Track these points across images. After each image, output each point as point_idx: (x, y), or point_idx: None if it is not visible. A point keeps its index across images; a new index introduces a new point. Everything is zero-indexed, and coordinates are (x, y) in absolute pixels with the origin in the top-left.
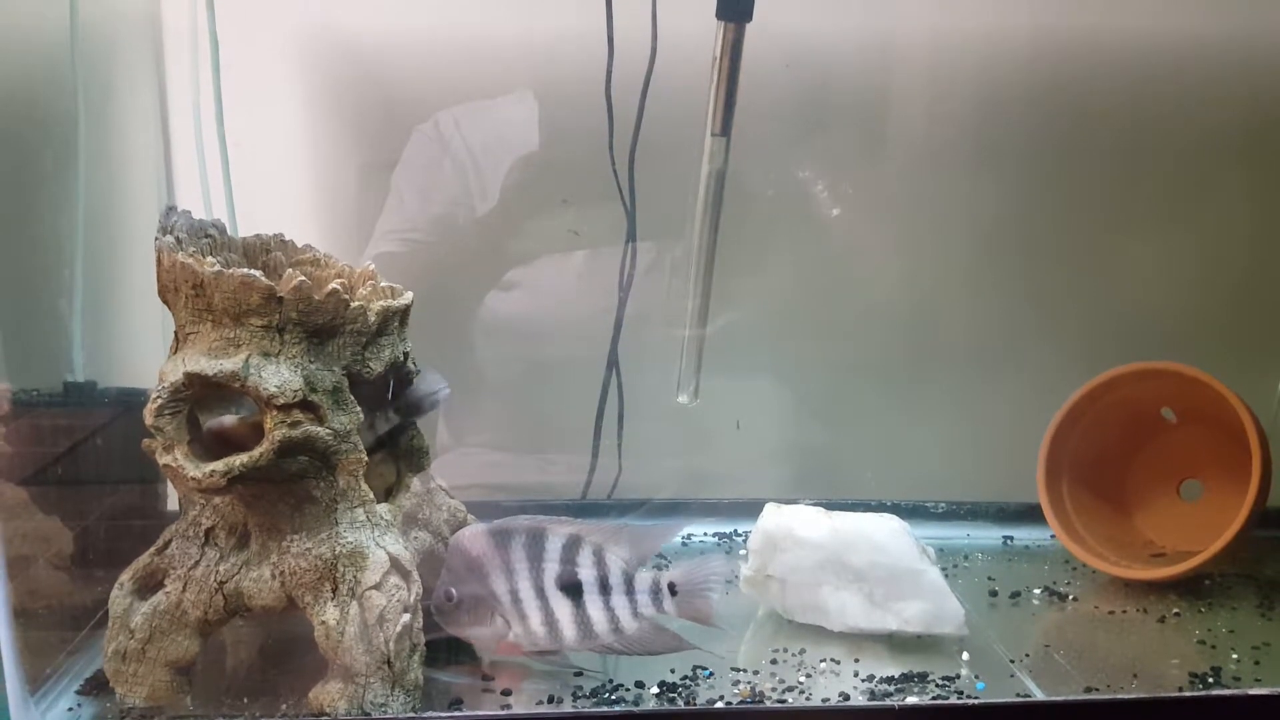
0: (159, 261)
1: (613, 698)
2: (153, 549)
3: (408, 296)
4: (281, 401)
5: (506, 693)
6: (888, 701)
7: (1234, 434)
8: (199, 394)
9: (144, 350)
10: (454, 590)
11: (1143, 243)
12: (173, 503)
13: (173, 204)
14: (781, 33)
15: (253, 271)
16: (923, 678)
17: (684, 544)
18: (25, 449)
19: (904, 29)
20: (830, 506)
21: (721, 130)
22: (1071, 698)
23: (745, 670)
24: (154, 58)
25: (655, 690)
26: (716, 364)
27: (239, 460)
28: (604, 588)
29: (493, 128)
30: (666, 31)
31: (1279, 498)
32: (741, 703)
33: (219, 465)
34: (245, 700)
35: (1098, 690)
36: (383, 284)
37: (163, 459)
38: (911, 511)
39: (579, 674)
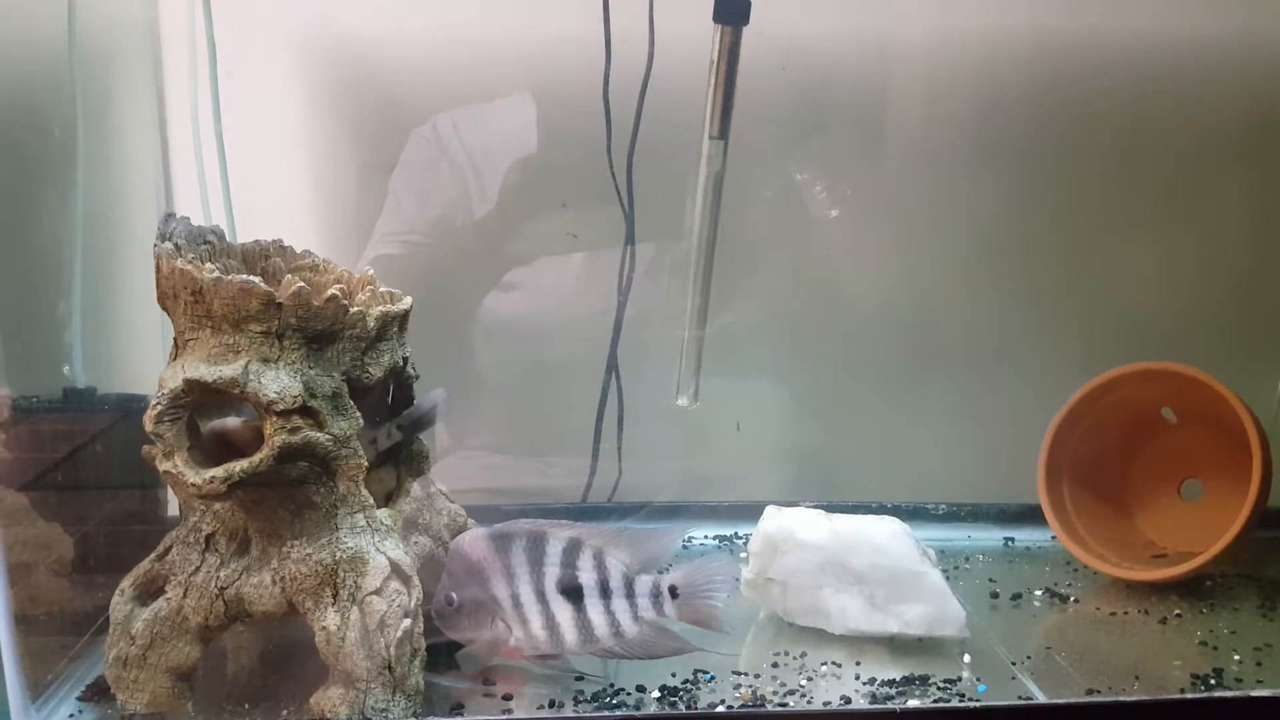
0: (158, 268)
1: (614, 702)
2: (153, 555)
3: (407, 301)
4: (281, 407)
5: (508, 697)
6: (889, 704)
7: (1234, 434)
8: (199, 400)
9: (143, 356)
10: (454, 595)
11: (1143, 243)
12: (173, 508)
13: (171, 210)
14: (778, 35)
15: (252, 278)
16: (924, 680)
17: (684, 546)
18: (25, 455)
19: (902, 30)
20: (831, 508)
21: (719, 133)
22: (1073, 700)
23: (746, 674)
24: (152, 63)
25: (656, 694)
26: (716, 366)
27: (239, 466)
28: (604, 591)
29: (491, 130)
30: (664, 35)
31: None
32: (743, 706)
33: (219, 471)
34: (246, 706)
35: (1099, 692)
36: (382, 289)
37: (163, 465)
38: (912, 513)
39: (580, 678)
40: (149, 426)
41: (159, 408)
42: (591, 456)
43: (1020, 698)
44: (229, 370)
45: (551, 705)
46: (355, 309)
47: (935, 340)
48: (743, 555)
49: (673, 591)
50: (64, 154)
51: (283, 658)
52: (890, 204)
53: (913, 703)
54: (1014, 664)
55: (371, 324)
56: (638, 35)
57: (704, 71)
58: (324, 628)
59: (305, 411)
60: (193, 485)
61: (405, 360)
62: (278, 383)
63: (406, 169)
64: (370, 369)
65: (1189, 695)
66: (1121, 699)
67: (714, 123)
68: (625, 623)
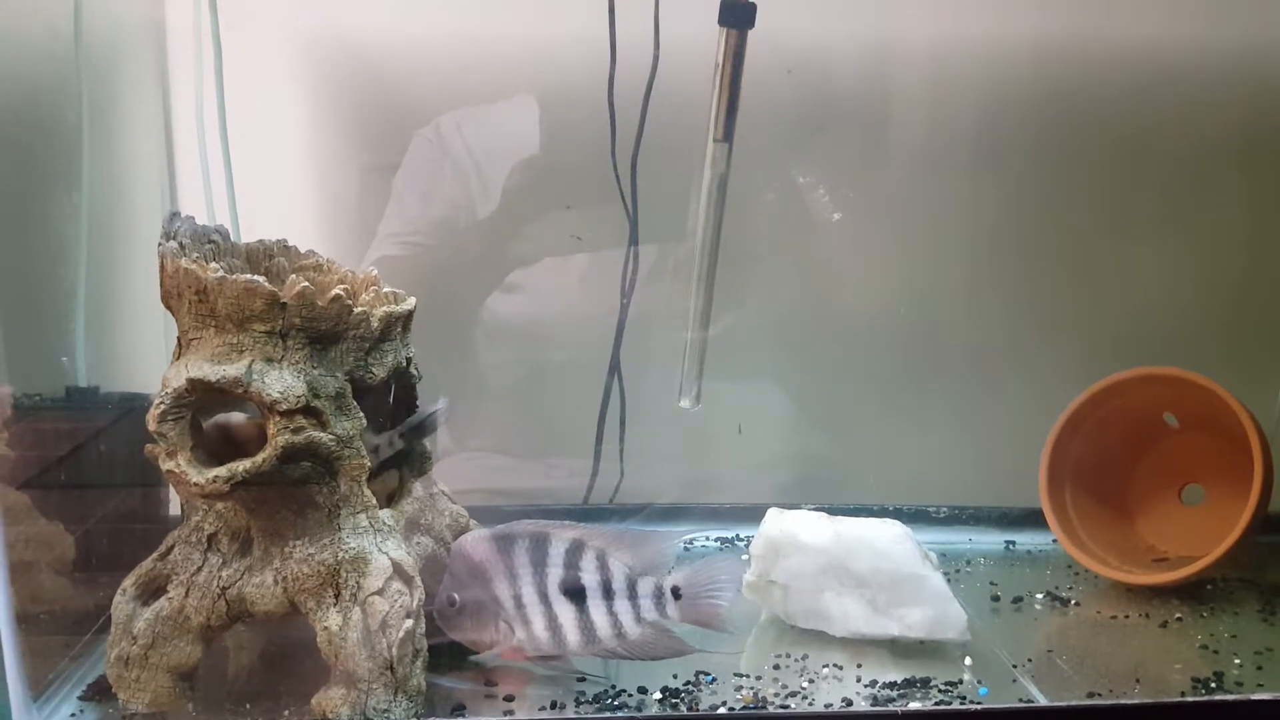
0: (162, 267)
1: (615, 703)
2: (155, 554)
3: (410, 302)
4: (284, 407)
5: (509, 698)
6: (890, 707)
7: (1236, 439)
8: (202, 400)
9: (147, 355)
10: (456, 595)
11: (1144, 248)
12: (174, 508)
13: (176, 209)
14: (783, 38)
15: (256, 277)
16: (925, 683)
17: (686, 549)
18: (28, 453)
19: (905, 35)
20: (833, 511)
21: (724, 136)
22: (1074, 703)
23: (748, 676)
24: (157, 63)
25: (658, 696)
26: (719, 368)
27: (242, 466)
28: (607, 592)
29: (494, 132)
30: (669, 37)
31: None
32: (744, 708)
33: (222, 471)
34: (247, 706)
35: (1100, 695)
36: (385, 290)
37: (165, 465)
38: (913, 516)
39: (582, 679)
40: (152, 425)
41: (162, 407)
42: (593, 458)
43: (1021, 700)
44: (233, 370)
45: (553, 706)
46: (359, 309)
47: (937, 343)
48: (744, 557)
49: (675, 592)
50: (69, 152)
51: (284, 658)
52: (893, 208)
53: (914, 705)
54: (1015, 667)
55: (375, 324)
56: (643, 38)
57: (709, 74)
58: (326, 628)
59: (308, 411)
60: (195, 485)
61: (409, 361)
62: (281, 382)
63: (409, 170)
64: (374, 369)
65: (1189, 699)
66: (1122, 702)
67: (718, 125)
68: (628, 624)
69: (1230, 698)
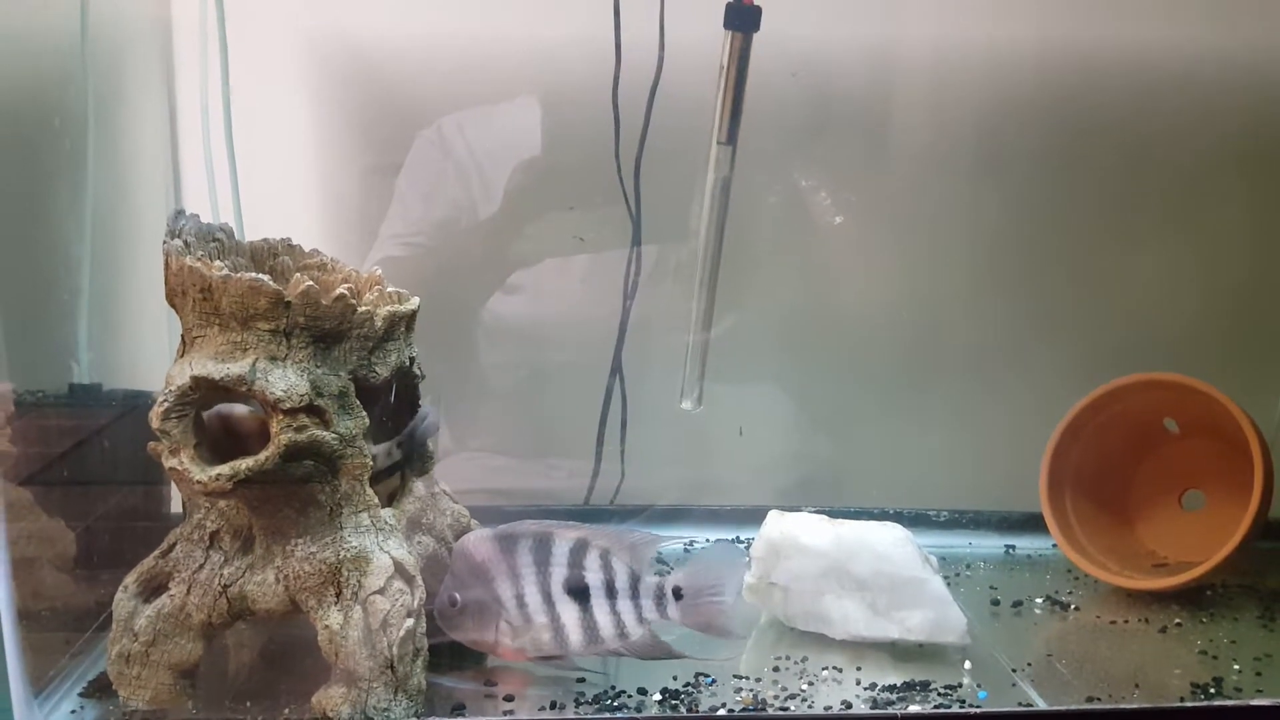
0: (167, 265)
1: (615, 704)
2: (157, 552)
3: (414, 301)
4: (288, 406)
5: (509, 698)
6: (890, 710)
7: (1236, 445)
8: (206, 397)
9: (150, 353)
10: (458, 595)
11: (1146, 253)
12: (176, 505)
13: (181, 207)
14: (788, 42)
15: (260, 276)
16: (925, 686)
17: (686, 550)
18: (30, 449)
19: (910, 38)
20: (833, 514)
21: (728, 138)
22: (1073, 707)
23: (748, 678)
24: (163, 62)
25: (658, 697)
26: (720, 370)
27: (244, 464)
28: (610, 592)
29: (497, 133)
30: (673, 40)
31: None
32: (744, 710)
33: (225, 469)
34: (248, 704)
35: (1099, 700)
36: (389, 289)
37: (169, 462)
38: (914, 520)
39: (582, 679)
40: (156, 423)
41: (166, 404)
42: (595, 459)
43: (1020, 705)
44: (236, 368)
45: (553, 707)
46: (363, 308)
47: (938, 347)
48: (745, 559)
49: (676, 593)
50: (74, 150)
51: (284, 656)
52: (895, 211)
53: (913, 708)
54: (1014, 671)
55: (379, 323)
56: (648, 40)
57: (713, 77)
58: (327, 626)
59: (312, 410)
60: (198, 483)
61: (412, 360)
62: (285, 381)
63: (412, 171)
64: (377, 368)
65: (1189, 704)
66: (1121, 707)
67: (722, 128)
68: (630, 624)
69: (1229, 703)
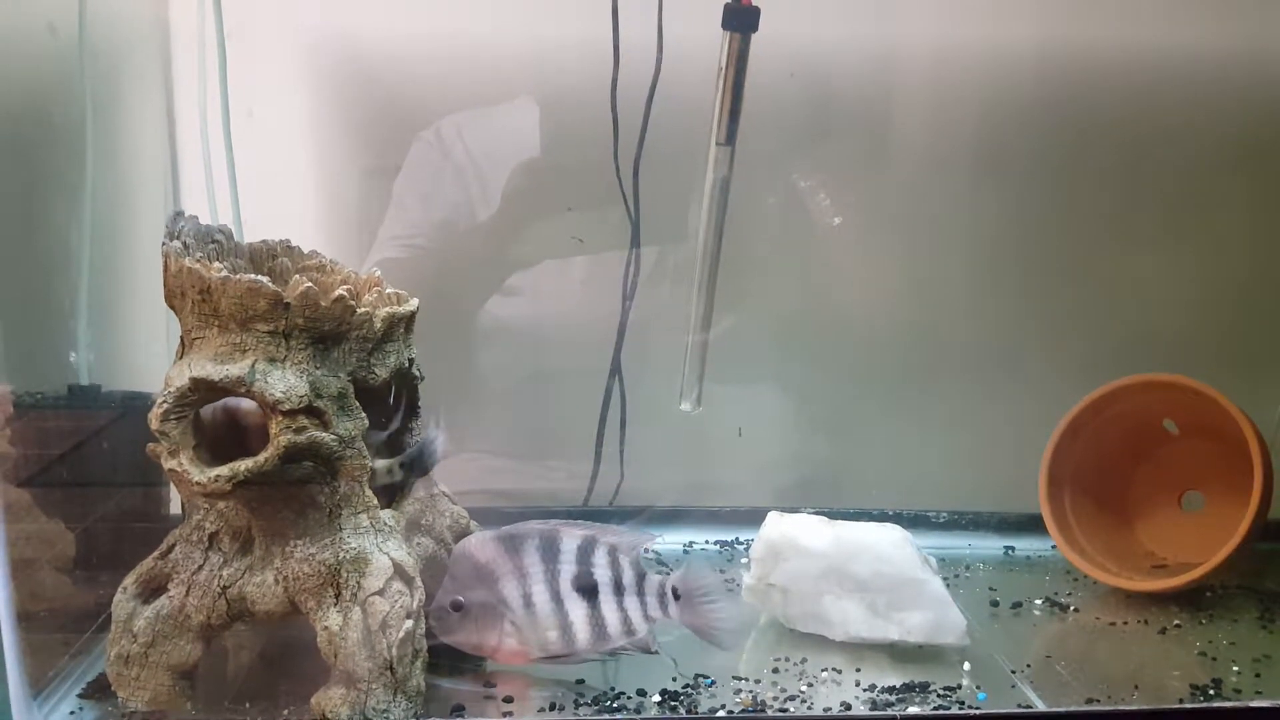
0: (166, 266)
1: (615, 705)
2: (156, 553)
3: (413, 303)
4: (287, 407)
5: (509, 699)
6: (889, 711)
7: (1236, 446)
8: (205, 399)
9: (149, 354)
10: (459, 598)
11: (1146, 254)
12: (175, 507)
13: (180, 209)
14: (786, 43)
15: (259, 277)
16: (924, 688)
17: (685, 551)
18: (29, 451)
19: (908, 39)
20: (833, 515)
21: (726, 139)
22: (1073, 708)
23: (747, 679)
24: (162, 63)
25: (657, 698)
26: (719, 371)
27: (244, 465)
28: (618, 589)
29: (495, 134)
30: (672, 41)
31: None
32: (743, 712)
33: (224, 470)
34: (247, 705)
35: (1098, 701)
36: (388, 290)
37: (168, 463)
38: (913, 521)
39: (581, 681)
40: (155, 424)
41: (165, 406)
42: (594, 460)
43: (1020, 706)
44: (235, 369)
45: (552, 708)
46: (362, 310)
47: (938, 348)
48: (744, 561)
49: (674, 593)
50: (72, 152)
51: (284, 657)
52: (894, 212)
53: (913, 709)
54: (1014, 672)
55: (378, 325)
56: (646, 41)
57: (711, 78)
58: (326, 628)
59: (311, 411)
60: (197, 484)
61: (411, 362)
62: (284, 382)
63: (410, 172)
64: (376, 370)
65: (1188, 705)
66: (1121, 708)
67: (721, 129)
68: (636, 621)
69: (1228, 705)
